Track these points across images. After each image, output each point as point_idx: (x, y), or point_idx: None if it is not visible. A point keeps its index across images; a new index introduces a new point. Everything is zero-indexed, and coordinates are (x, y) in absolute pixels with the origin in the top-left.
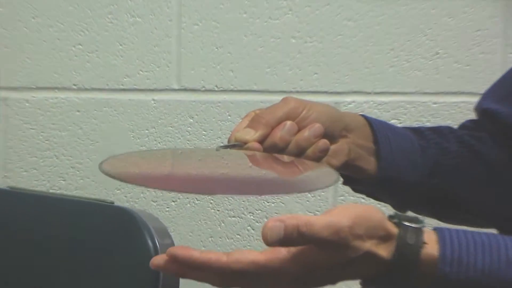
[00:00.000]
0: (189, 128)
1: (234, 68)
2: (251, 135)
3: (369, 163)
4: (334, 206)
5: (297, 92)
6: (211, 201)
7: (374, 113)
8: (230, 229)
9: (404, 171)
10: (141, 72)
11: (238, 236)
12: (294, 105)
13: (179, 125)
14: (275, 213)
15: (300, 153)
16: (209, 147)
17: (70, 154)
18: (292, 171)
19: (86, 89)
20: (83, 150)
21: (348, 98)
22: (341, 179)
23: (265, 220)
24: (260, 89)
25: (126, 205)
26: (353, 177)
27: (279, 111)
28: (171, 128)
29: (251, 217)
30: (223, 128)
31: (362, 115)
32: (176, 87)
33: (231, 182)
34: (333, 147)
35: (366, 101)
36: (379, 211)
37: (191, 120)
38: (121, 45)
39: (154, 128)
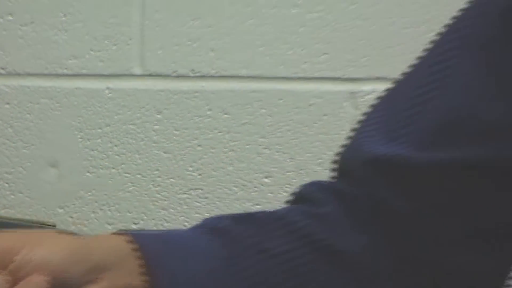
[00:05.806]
0: (156, 127)
1: (216, 46)
2: None
3: None
4: None
5: (300, 78)
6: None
7: None
8: None
9: None
10: (91, 52)
11: None
12: (6, 244)
13: (142, 122)
14: None
15: None
16: None
17: None
18: None
19: (17, 74)
20: (14, 156)
21: (368, 87)
22: None
23: None
24: (250, 74)
25: (72, 229)
26: None
27: None
28: (132, 126)
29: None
30: (201, 127)
31: (131, 234)
32: (138, 71)
33: None
34: None
35: None
36: None
37: (159, 116)
38: (64, 15)
39: (109, 126)
